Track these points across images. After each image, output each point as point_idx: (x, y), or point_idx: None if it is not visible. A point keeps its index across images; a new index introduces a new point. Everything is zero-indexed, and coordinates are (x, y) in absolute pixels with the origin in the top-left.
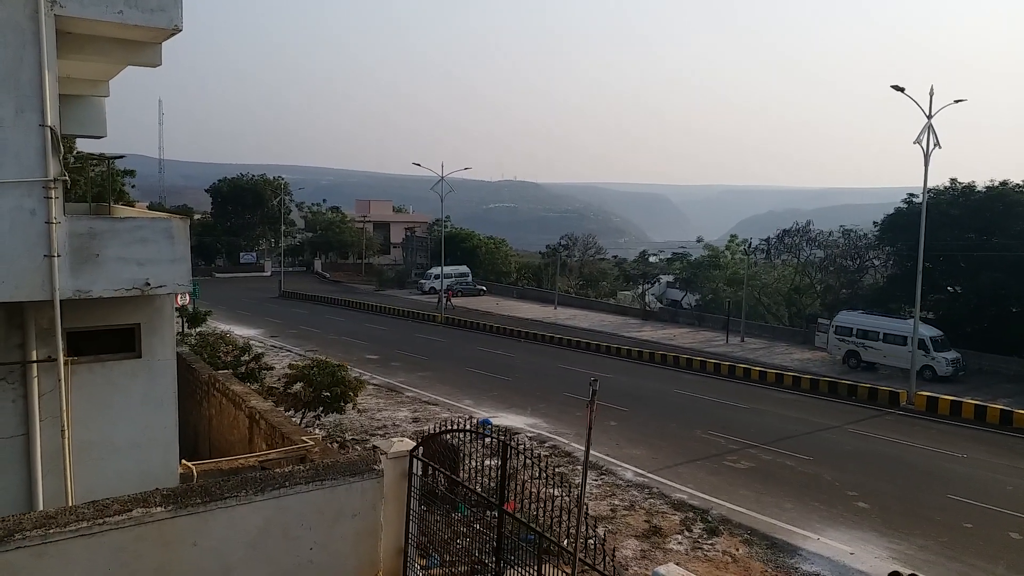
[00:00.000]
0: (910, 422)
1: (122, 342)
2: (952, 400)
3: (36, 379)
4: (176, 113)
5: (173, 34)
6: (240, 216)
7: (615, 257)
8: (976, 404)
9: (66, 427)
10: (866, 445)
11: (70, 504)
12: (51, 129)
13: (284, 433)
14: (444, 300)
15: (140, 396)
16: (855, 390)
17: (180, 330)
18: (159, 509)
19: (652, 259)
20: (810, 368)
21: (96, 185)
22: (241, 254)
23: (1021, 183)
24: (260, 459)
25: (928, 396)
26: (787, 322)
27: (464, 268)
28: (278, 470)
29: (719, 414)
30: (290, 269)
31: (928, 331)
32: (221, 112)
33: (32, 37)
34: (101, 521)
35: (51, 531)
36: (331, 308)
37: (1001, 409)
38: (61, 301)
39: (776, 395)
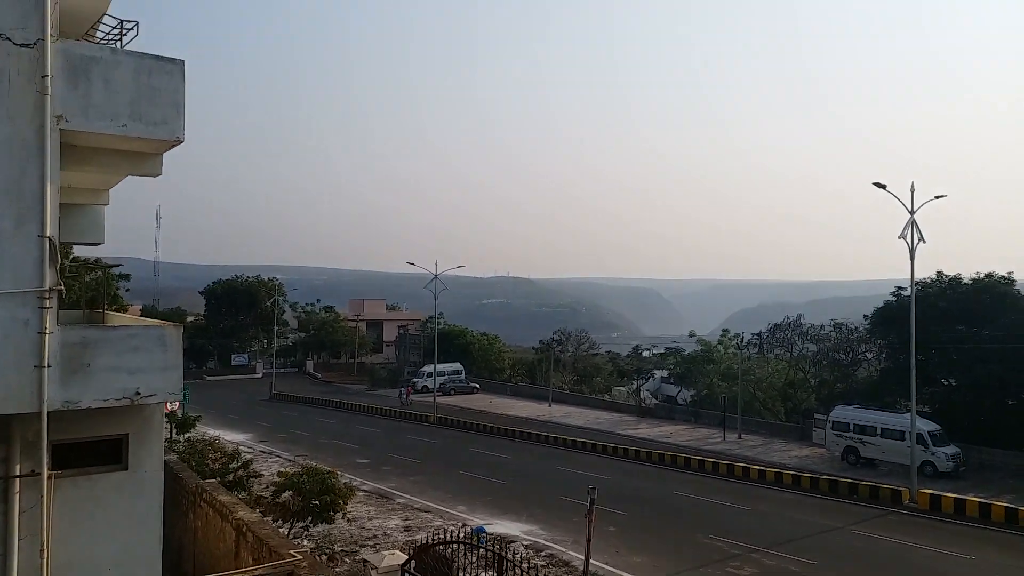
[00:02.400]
0: (914, 522)
1: (108, 453)
2: (955, 498)
3: (18, 495)
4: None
5: (175, 145)
6: (234, 317)
7: (608, 352)
8: (980, 502)
9: (46, 546)
10: (871, 547)
11: None
12: (50, 240)
13: (272, 546)
14: (403, 395)
15: (125, 511)
16: (856, 488)
17: (168, 436)
18: None
19: (645, 354)
20: (809, 465)
21: (91, 290)
22: (233, 356)
23: (1006, 275)
24: (246, 575)
25: (931, 494)
26: (783, 417)
27: (458, 365)
28: None
29: (720, 516)
30: (282, 370)
31: (926, 425)
32: (217, 215)
33: (37, 151)
34: None
35: None
36: (322, 410)
37: (1006, 507)
38: (49, 412)
39: (777, 495)
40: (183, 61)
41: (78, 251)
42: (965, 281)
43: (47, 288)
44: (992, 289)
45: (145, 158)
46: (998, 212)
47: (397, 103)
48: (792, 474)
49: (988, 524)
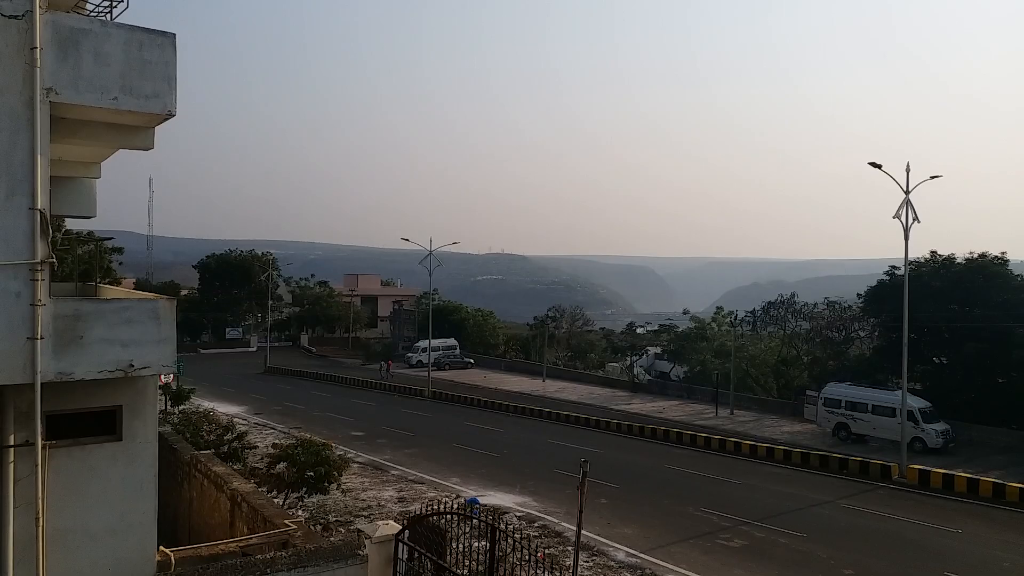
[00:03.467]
0: (903, 496)
1: (103, 424)
2: (944, 473)
3: (12, 464)
4: (166, 189)
5: (167, 119)
6: (227, 291)
7: (602, 329)
8: (968, 477)
9: (41, 514)
10: (860, 521)
11: None
12: (41, 212)
13: (266, 516)
14: (384, 369)
15: (119, 480)
16: (846, 464)
17: (163, 408)
18: None
19: (639, 331)
20: (800, 441)
21: (83, 263)
22: (227, 329)
23: (999, 255)
24: (241, 544)
25: (920, 469)
26: (776, 394)
27: (452, 341)
28: (259, 556)
29: (711, 490)
30: (276, 344)
31: (917, 402)
32: (211, 188)
33: (26, 123)
34: None
35: None
36: (316, 383)
37: (994, 482)
38: (42, 384)
39: (768, 469)
40: (174, 34)
41: (70, 225)
42: (959, 261)
43: (39, 260)
44: (985, 269)
45: (136, 131)
46: (995, 192)
47: (404, 74)
48: (783, 449)
49: (976, 499)
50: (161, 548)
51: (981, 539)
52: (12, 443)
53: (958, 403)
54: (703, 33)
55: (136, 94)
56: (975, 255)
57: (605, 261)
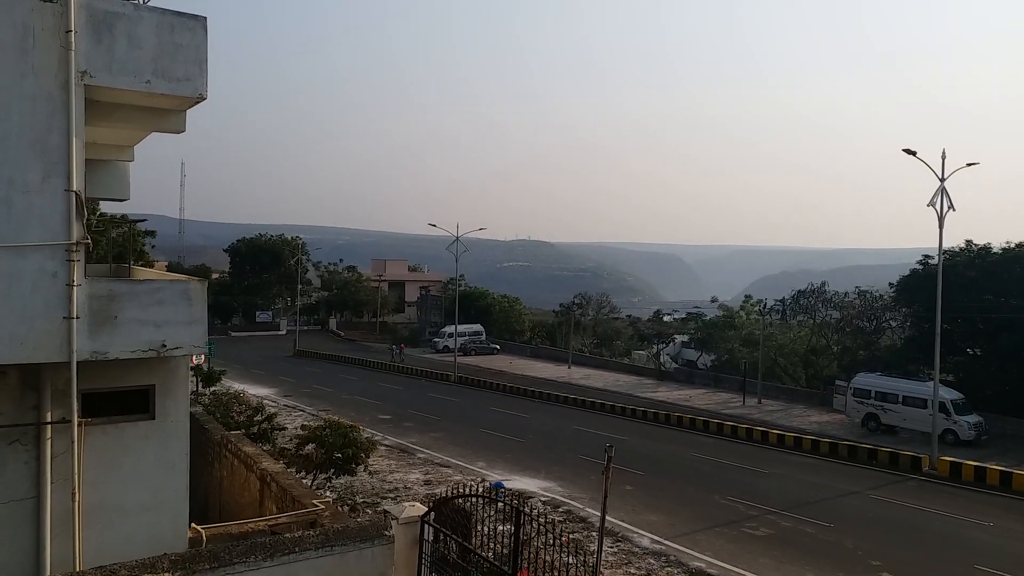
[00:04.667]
0: (933, 488)
1: (136, 403)
2: (976, 466)
3: (49, 440)
4: (198, 174)
5: (198, 102)
6: (257, 275)
7: (629, 316)
8: (1001, 470)
9: (77, 490)
10: (888, 512)
11: (78, 569)
12: (76, 194)
13: (295, 496)
14: (396, 352)
15: (152, 458)
16: (875, 454)
17: (194, 389)
18: (167, 575)
19: (666, 319)
20: (829, 431)
21: (117, 246)
22: (257, 313)
23: None
24: (270, 523)
25: (951, 462)
26: (804, 384)
27: (478, 326)
28: (288, 535)
29: (738, 479)
30: (305, 328)
31: (949, 394)
32: (242, 173)
33: (61, 106)
34: None
35: None
36: (345, 367)
37: None
38: (78, 362)
39: (795, 459)
40: (205, 18)
41: (104, 207)
42: (995, 250)
43: (74, 241)
44: (1022, 259)
45: (168, 114)
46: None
47: (436, 58)
48: (811, 439)
49: (1009, 492)
50: (193, 525)
51: (1015, 533)
52: (50, 420)
53: (991, 395)
54: (747, 25)
55: (168, 77)
56: (1012, 244)
57: (632, 248)
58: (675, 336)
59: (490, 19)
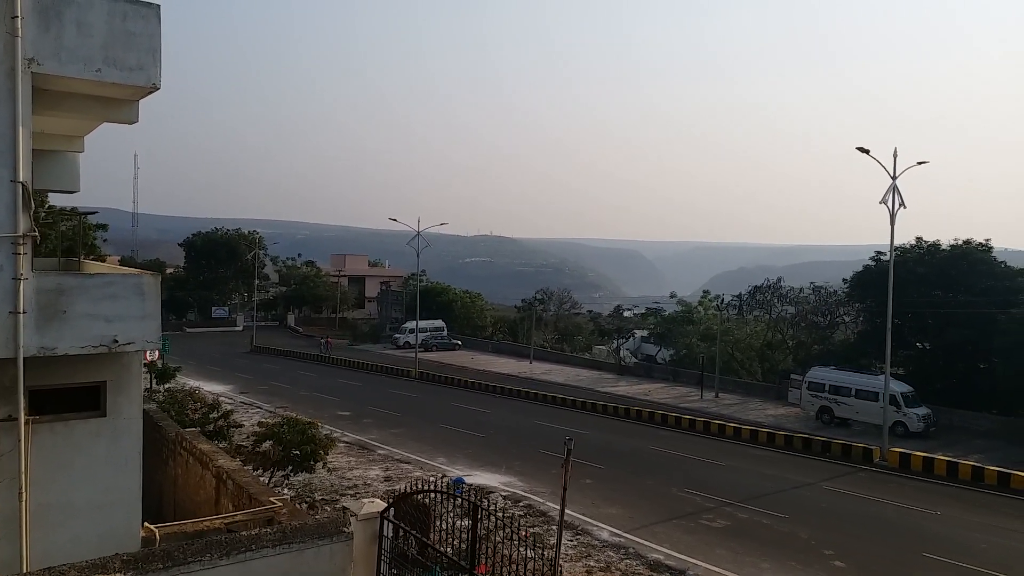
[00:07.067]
0: (884, 479)
1: (87, 400)
2: (924, 456)
3: None
4: (153, 167)
5: (151, 92)
6: (213, 270)
7: (590, 312)
8: (948, 461)
9: (24, 489)
10: (841, 502)
11: (25, 570)
12: (23, 185)
13: (251, 494)
14: (324, 346)
15: (103, 456)
16: (829, 447)
17: (148, 386)
18: (119, 575)
19: (627, 314)
20: (784, 424)
21: (67, 239)
22: (213, 308)
23: (984, 242)
24: (226, 521)
25: (901, 453)
26: (760, 378)
27: (439, 322)
28: (244, 533)
29: (695, 471)
30: (262, 324)
31: (899, 387)
32: (197, 167)
33: (7, 94)
34: None
35: None
36: (303, 363)
37: (972, 465)
38: (25, 358)
39: (751, 452)
40: (159, 5)
41: (53, 200)
42: (943, 247)
43: (21, 234)
44: (969, 256)
45: (120, 104)
46: (983, 176)
47: (398, 47)
48: (767, 432)
49: (955, 482)
50: (146, 524)
51: (960, 521)
52: None
53: (940, 388)
54: (717, 25)
55: (120, 66)
56: (960, 241)
57: (594, 244)
58: (635, 331)
59: (455, 14)
